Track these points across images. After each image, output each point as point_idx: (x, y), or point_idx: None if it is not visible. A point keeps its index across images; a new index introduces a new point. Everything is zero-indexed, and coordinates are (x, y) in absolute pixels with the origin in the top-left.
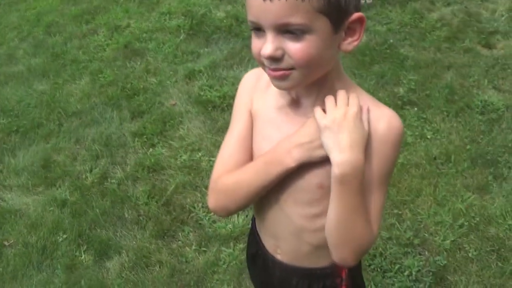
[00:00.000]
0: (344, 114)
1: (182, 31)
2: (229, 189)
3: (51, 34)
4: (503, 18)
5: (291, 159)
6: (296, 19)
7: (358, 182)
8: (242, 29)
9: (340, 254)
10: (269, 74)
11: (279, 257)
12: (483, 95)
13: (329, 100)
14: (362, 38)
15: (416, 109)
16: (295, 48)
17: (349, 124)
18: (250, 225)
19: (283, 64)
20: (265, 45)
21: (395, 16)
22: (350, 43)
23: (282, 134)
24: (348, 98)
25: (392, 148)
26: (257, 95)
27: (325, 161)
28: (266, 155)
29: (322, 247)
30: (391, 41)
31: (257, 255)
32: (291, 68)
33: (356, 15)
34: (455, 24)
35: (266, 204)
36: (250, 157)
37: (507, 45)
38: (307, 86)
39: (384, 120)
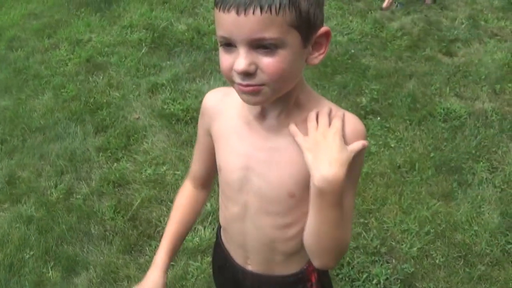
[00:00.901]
0: (323, 134)
1: (144, 44)
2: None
3: (13, 49)
4: (463, 26)
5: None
6: (270, 34)
7: (337, 195)
8: (204, 41)
9: (322, 261)
10: (239, 90)
11: (249, 267)
12: (445, 103)
13: (310, 122)
14: (327, 51)
15: (379, 118)
16: (268, 62)
17: (328, 144)
18: (215, 237)
19: (256, 80)
20: (238, 61)
21: (356, 26)
22: (316, 57)
23: (246, 147)
24: (327, 118)
25: (362, 153)
26: (219, 116)
27: (294, 170)
28: (157, 255)
29: (293, 254)
30: (353, 51)
31: (225, 267)
32: (262, 84)
33: (323, 29)
34: (415, 33)
35: (236, 216)
36: (208, 167)
37: (467, 53)
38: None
39: (349, 125)
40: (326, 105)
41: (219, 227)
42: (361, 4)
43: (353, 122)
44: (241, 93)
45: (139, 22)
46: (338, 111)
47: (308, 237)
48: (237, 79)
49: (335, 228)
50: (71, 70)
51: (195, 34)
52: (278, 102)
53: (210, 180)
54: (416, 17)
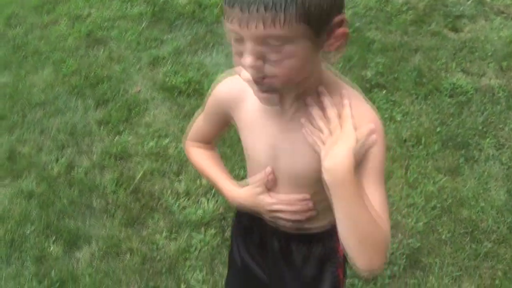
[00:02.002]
0: (334, 128)
1: (144, 18)
2: (195, 165)
3: (11, 26)
4: (469, 2)
5: (234, 204)
6: (275, 31)
7: (351, 184)
8: (205, 14)
9: (365, 258)
10: (258, 96)
11: (281, 228)
12: (452, 78)
13: (317, 116)
14: (346, 40)
15: (384, 91)
16: (276, 59)
17: (337, 137)
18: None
19: (266, 73)
20: (244, 56)
21: (360, 0)
22: (333, 44)
23: (272, 129)
24: (333, 107)
25: (379, 145)
26: (240, 104)
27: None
28: (218, 178)
29: (324, 211)
30: (357, 24)
31: (253, 228)
32: (273, 88)
33: (340, 30)
34: (421, 8)
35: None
36: (218, 132)
37: (473, 29)
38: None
39: (366, 121)
40: (348, 91)
41: None
42: None
43: (370, 118)
44: (256, 92)
45: None
46: (357, 105)
47: (342, 238)
48: (250, 72)
49: (361, 218)
50: (71, 45)
51: (196, 7)
52: (296, 88)
53: (216, 142)
54: None
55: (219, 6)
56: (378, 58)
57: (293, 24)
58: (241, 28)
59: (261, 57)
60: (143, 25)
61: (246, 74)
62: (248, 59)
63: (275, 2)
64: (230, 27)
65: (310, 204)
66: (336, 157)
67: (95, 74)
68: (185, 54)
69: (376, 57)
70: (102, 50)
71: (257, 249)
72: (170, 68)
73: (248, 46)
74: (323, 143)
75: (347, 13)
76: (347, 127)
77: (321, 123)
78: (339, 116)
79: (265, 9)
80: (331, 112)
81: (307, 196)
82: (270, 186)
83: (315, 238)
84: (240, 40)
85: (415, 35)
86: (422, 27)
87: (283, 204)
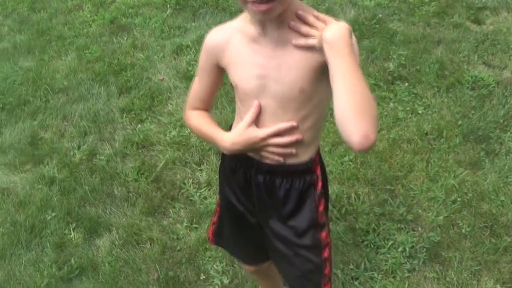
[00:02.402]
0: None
1: (168, 6)
2: (192, 127)
3: (35, 10)
4: None
5: (225, 150)
6: None
7: (351, 56)
8: (229, 3)
9: (361, 129)
10: (257, 9)
11: (265, 161)
12: (474, 71)
13: (304, 26)
14: None
15: (406, 84)
16: None
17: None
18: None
19: None
20: None
21: None
22: None
23: (258, 59)
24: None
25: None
26: (226, 46)
27: (302, 68)
28: (211, 131)
29: (306, 144)
30: (380, 16)
31: (236, 169)
32: (273, 1)
33: None
34: (443, 0)
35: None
36: (213, 94)
37: (496, 21)
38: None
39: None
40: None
41: None
42: None
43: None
44: (255, 13)
45: None
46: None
47: (340, 105)
48: None
49: (359, 83)
50: (94, 31)
51: None
52: (278, 16)
53: (211, 106)
54: None
55: None
56: (401, 50)
57: None
58: None
59: None
60: (167, 12)
61: None
62: None
63: None
64: None
65: (299, 135)
66: (335, 31)
67: (119, 61)
68: None
69: (398, 49)
70: (126, 37)
71: (242, 189)
72: (194, 57)
73: None
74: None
75: (370, 5)
76: (333, 21)
77: (308, 28)
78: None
79: None
80: (315, 20)
81: (294, 123)
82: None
83: (297, 172)
84: None
85: (437, 27)
86: (445, 19)
87: (274, 136)
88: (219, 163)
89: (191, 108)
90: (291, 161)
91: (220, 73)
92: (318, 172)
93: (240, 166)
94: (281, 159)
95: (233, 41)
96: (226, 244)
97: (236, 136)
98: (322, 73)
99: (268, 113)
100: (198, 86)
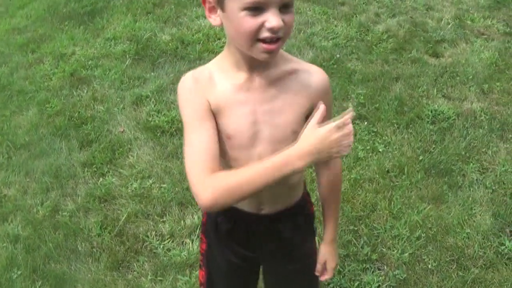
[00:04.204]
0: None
1: (127, 56)
2: (232, 188)
3: None
4: (449, 26)
5: (302, 163)
6: None
7: None
8: (188, 51)
9: None
10: (266, 49)
11: (263, 211)
12: (433, 105)
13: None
14: None
15: (366, 123)
16: (289, 19)
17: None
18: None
19: (279, 34)
20: (274, 19)
21: (341, 30)
22: None
23: (250, 106)
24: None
25: (329, 94)
26: (211, 90)
27: (293, 111)
28: (276, 160)
29: (298, 182)
30: (338, 56)
31: (235, 227)
32: (279, 40)
33: None
34: (401, 35)
35: (247, 164)
36: (218, 145)
37: (454, 53)
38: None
39: (314, 75)
40: (295, 60)
41: None
42: (346, 8)
43: (317, 73)
44: (263, 51)
45: (122, 34)
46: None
47: None
48: (265, 34)
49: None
50: (55, 84)
51: (179, 44)
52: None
53: None
54: (402, 19)
55: (201, 43)
56: (359, 89)
57: None
58: None
59: (282, 19)
60: (126, 63)
61: (278, 21)
62: (277, 20)
63: None
64: (253, 0)
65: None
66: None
67: (79, 115)
68: (168, 92)
69: (357, 88)
70: (86, 89)
71: (242, 245)
72: (154, 107)
73: (274, 11)
74: None
75: (328, 45)
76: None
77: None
78: None
79: None
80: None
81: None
82: None
83: (296, 211)
84: (260, 9)
85: (395, 63)
86: (403, 54)
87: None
88: (202, 233)
89: (209, 172)
90: (289, 203)
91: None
92: (309, 199)
93: (240, 225)
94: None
95: (217, 82)
96: None
97: (307, 143)
98: (309, 113)
99: (263, 158)
100: (202, 140)
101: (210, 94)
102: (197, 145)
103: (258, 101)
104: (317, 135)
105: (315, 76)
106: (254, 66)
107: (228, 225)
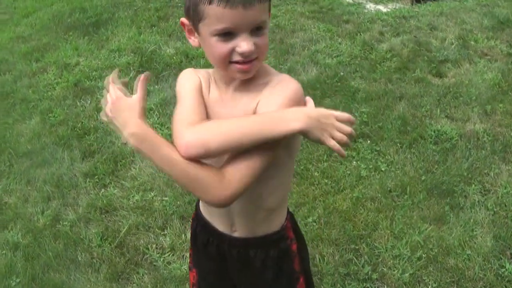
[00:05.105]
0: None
1: (132, 68)
2: (213, 127)
3: (0, 73)
4: (452, 46)
5: (298, 125)
6: (263, 18)
7: None
8: (192, 65)
9: None
10: (239, 69)
11: (235, 234)
12: (436, 125)
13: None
14: None
15: (369, 141)
16: (261, 41)
17: None
18: (193, 221)
19: (252, 57)
20: (245, 44)
21: (345, 48)
22: None
23: (218, 115)
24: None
25: (283, 98)
26: (205, 90)
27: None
28: (273, 114)
29: (275, 210)
30: (342, 73)
31: (208, 243)
32: (255, 60)
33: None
34: (405, 55)
35: None
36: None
37: (457, 73)
38: None
39: (281, 83)
40: (273, 73)
41: (197, 203)
42: (350, 26)
43: (284, 78)
44: (238, 71)
45: (127, 46)
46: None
47: None
48: (238, 57)
49: None
50: (58, 94)
51: (183, 57)
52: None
53: None
54: (406, 38)
55: (205, 57)
56: (363, 107)
57: (267, 11)
58: (243, 22)
59: (253, 43)
60: (130, 75)
61: (249, 45)
62: (249, 45)
63: None
64: (226, 25)
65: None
66: None
67: (82, 125)
68: (172, 105)
69: (360, 106)
70: (90, 100)
71: (216, 262)
72: (157, 120)
73: (244, 36)
74: None
75: (332, 63)
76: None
77: None
78: None
79: (260, 2)
80: None
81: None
82: None
83: (270, 241)
84: (230, 34)
85: (399, 82)
86: (406, 74)
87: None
88: (190, 236)
89: (190, 125)
90: (262, 232)
91: None
92: (292, 235)
93: (213, 240)
94: (344, 153)
95: (211, 89)
96: None
97: (309, 109)
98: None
99: None
100: (189, 104)
101: (204, 90)
102: (184, 108)
103: (231, 113)
104: (319, 109)
105: (280, 81)
106: (233, 81)
107: (203, 239)
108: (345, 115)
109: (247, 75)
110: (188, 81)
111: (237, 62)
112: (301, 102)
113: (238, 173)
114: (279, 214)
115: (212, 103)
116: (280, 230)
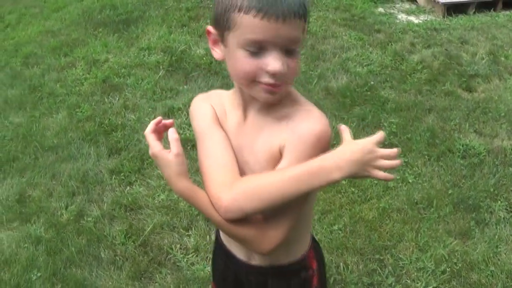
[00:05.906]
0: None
1: (161, 67)
2: (250, 191)
3: (28, 66)
4: (483, 62)
5: (339, 173)
6: (299, 36)
7: None
8: (222, 67)
9: None
10: (265, 89)
11: (253, 262)
12: (465, 139)
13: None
14: None
15: None
16: (293, 64)
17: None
18: (214, 241)
19: (281, 79)
20: (275, 62)
21: (376, 57)
22: None
23: (240, 146)
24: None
25: (309, 148)
26: (221, 116)
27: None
28: (311, 166)
29: (294, 240)
30: (372, 83)
31: (227, 270)
32: (284, 82)
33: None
34: (435, 67)
35: None
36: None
37: (487, 89)
38: None
39: (308, 121)
40: (301, 102)
41: (218, 229)
42: (381, 35)
43: (313, 119)
44: (264, 91)
45: (157, 45)
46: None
47: None
48: (266, 79)
49: None
50: (86, 90)
51: (213, 58)
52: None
53: None
54: (437, 50)
55: None
56: (392, 118)
57: (302, 30)
58: (275, 37)
59: (285, 63)
60: (160, 74)
61: (279, 65)
62: (279, 64)
63: (304, 13)
64: (257, 37)
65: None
66: None
67: (110, 122)
68: None
69: (390, 116)
70: (118, 97)
71: (233, 285)
72: (185, 120)
73: (276, 54)
74: None
75: (362, 71)
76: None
77: None
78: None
79: (295, 16)
80: None
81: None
82: None
83: (289, 271)
84: (261, 49)
85: (429, 94)
86: (436, 86)
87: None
88: (213, 252)
89: (232, 181)
90: (281, 261)
91: None
92: (315, 267)
93: (230, 268)
94: (392, 177)
95: (228, 115)
96: None
97: (349, 152)
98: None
99: None
100: (214, 154)
101: (221, 119)
102: (213, 160)
103: (248, 143)
104: (360, 147)
105: (305, 124)
106: (253, 104)
107: (221, 263)
108: (390, 152)
109: (273, 98)
110: (202, 115)
111: (268, 84)
112: (328, 143)
113: (281, 227)
114: (301, 243)
115: (232, 132)
116: (301, 260)
